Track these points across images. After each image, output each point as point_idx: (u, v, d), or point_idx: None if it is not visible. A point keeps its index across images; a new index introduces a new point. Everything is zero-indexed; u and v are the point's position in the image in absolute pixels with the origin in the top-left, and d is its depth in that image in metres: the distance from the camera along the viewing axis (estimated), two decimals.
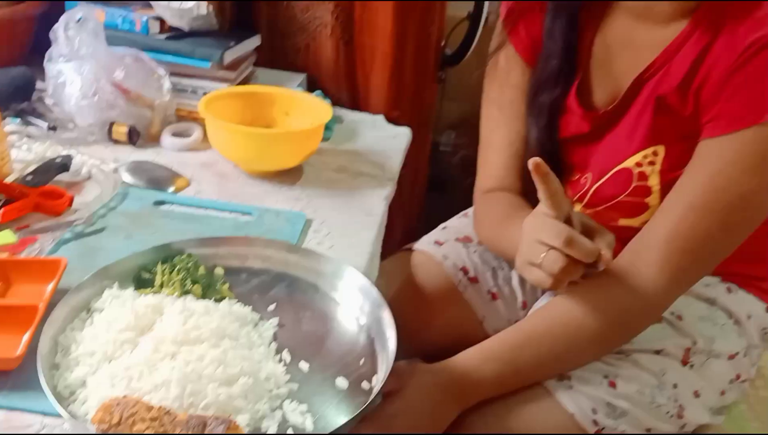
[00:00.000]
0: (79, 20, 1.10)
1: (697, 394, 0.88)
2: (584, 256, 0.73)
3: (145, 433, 0.57)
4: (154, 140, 1.14)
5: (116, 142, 1.12)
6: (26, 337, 0.66)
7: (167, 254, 0.80)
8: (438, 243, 1.05)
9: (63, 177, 0.99)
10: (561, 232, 0.73)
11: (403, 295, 1.01)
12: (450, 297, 1.01)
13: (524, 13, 0.94)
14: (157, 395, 0.61)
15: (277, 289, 0.81)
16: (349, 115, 1.35)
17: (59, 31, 1.09)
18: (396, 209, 1.15)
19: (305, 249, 0.87)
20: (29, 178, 0.94)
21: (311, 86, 1.40)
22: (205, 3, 1.20)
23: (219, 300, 0.76)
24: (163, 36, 1.23)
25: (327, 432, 0.63)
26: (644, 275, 0.79)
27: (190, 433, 0.58)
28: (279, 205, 1.01)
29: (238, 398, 0.63)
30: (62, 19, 1.10)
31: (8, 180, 0.93)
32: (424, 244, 1.06)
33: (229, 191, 1.03)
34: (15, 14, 1.16)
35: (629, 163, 0.87)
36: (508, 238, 0.89)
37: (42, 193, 0.90)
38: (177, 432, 0.58)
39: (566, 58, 0.91)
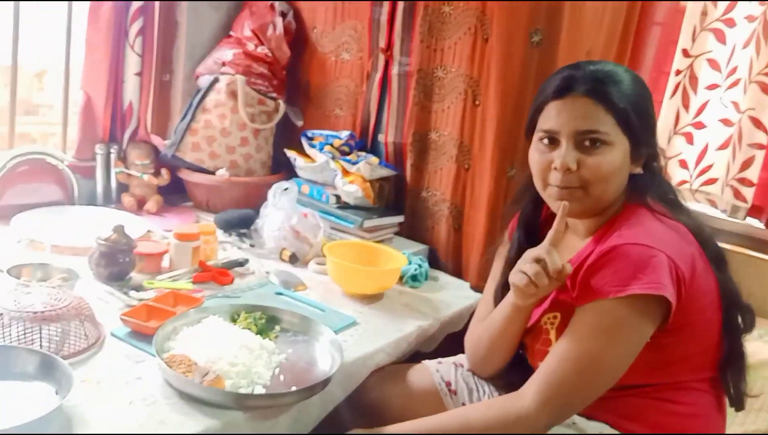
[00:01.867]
0: (285, 189, 1.88)
1: None
2: (552, 265, 1.13)
3: (179, 369, 1.17)
4: (305, 264, 1.82)
5: (282, 260, 1.82)
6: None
7: (254, 310, 1.42)
8: (439, 362, 1.49)
9: (239, 269, 1.71)
10: (542, 249, 1.16)
11: (399, 388, 1.46)
12: (433, 399, 1.43)
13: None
14: (200, 357, 1.21)
15: (299, 341, 1.38)
16: (445, 278, 1.88)
17: (271, 193, 1.88)
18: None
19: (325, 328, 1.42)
20: (220, 264, 1.68)
21: (432, 255, 1.97)
22: (359, 188, 1.90)
23: (263, 337, 1.35)
24: (335, 205, 1.95)
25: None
26: (524, 398, 1.14)
27: (200, 376, 1.16)
28: (346, 310, 1.57)
29: (231, 372, 1.19)
30: (275, 186, 1.89)
31: (210, 263, 1.67)
32: (430, 361, 1.51)
33: (325, 298, 1.64)
34: (252, 182, 2.01)
35: (542, 321, 1.26)
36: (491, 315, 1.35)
37: (218, 272, 1.63)
38: (196, 375, 1.16)
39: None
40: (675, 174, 1.74)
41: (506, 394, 1.20)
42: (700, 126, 1.70)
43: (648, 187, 1.21)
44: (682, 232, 1.16)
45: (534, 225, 1.35)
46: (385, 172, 1.99)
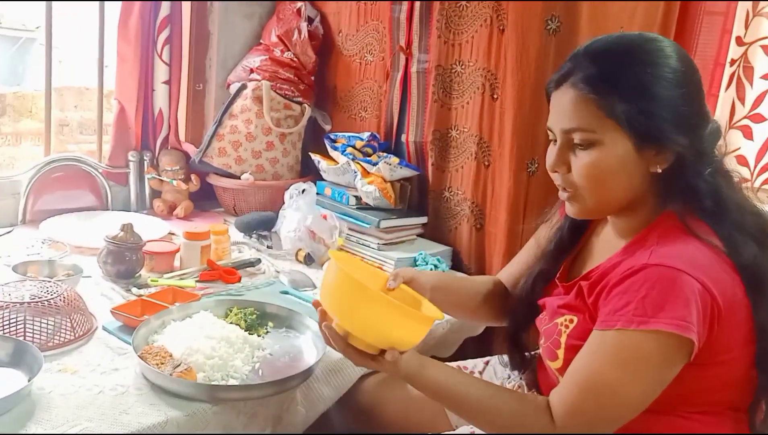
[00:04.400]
0: (302, 191, 1.87)
1: None
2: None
3: (152, 362, 1.16)
4: (321, 265, 1.80)
5: (297, 261, 1.80)
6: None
7: (247, 306, 1.41)
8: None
9: (250, 269, 1.70)
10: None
11: (397, 392, 1.38)
12: (433, 405, 1.34)
13: None
14: (176, 349, 1.20)
15: (290, 338, 1.35)
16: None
17: (288, 194, 1.88)
18: None
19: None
20: (230, 264, 1.68)
21: (455, 257, 1.90)
22: (377, 188, 1.86)
23: (252, 333, 1.33)
24: (355, 206, 1.92)
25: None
26: (545, 417, 1.01)
27: (172, 367, 1.15)
28: None
29: (206, 365, 1.18)
30: (291, 188, 1.88)
31: (220, 263, 1.68)
32: None
33: None
34: (277, 185, 2.02)
35: (558, 320, 1.13)
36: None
37: (225, 271, 1.63)
38: (168, 366, 1.15)
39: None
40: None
41: (533, 402, 1.06)
42: (758, 118, 1.53)
43: (681, 191, 1.01)
44: (721, 253, 0.98)
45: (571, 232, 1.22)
46: (406, 172, 1.94)
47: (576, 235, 1.21)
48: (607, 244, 1.14)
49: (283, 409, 1.25)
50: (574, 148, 1.03)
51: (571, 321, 1.11)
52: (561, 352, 1.11)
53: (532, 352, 1.29)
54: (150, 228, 1.86)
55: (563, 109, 1.03)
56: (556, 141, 1.06)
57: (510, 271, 1.35)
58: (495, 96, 1.77)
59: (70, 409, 1.06)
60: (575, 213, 1.09)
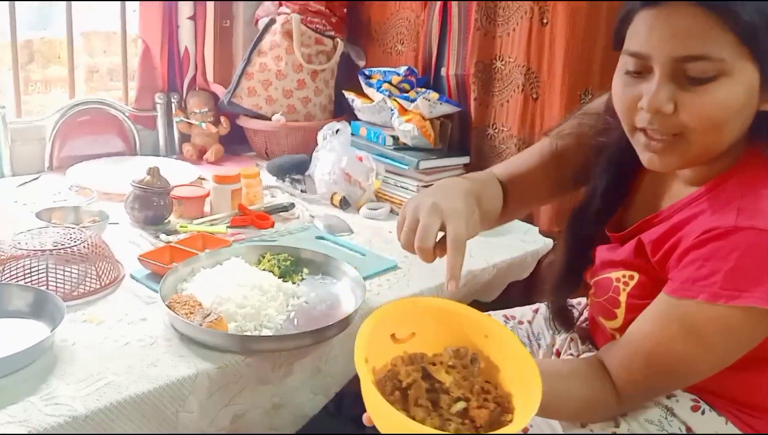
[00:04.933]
0: (336, 131, 1.76)
1: None
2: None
3: (181, 312, 1.09)
4: (357, 209, 1.70)
5: (333, 205, 1.71)
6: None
7: (281, 252, 1.32)
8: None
9: (284, 215, 1.62)
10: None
11: None
12: None
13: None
14: (206, 297, 1.13)
15: (326, 284, 1.26)
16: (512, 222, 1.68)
17: (321, 135, 1.77)
18: None
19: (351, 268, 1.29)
20: (263, 209, 1.59)
21: None
22: (416, 127, 1.73)
23: (286, 280, 1.25)
24: (392, 146, 1.80)
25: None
26: (609, 391, 0.92)
27: (201, 317, 1.08)
28: (391, 254, 1.43)
29: (237, 314, 1.10)
30: (325, 128, 1.77)
31: (252, 208, 1.59)
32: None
33: (369, 242, 1.51)
34: (311, 126, 1.91)
35: (613, 275, 1.01)
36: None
37: (257, 216, 1.54)
38: (197, 316, 1.08)
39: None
40: None
41: (603, 388, 0.94)
42: None
43: None
44: None
45: (624, 171, 1.03)
46: (447, 108, 1.81)
47: (628, 173, 1.04)
48: (666, 188, 0.99)
49: (322, 360, 1.18)
50: (689, 83, 0.82)
51: (631, 278, 0.98)
52: (620, 312, 0.99)
53: (579, 302, 1.18)
54: (179, 173, 1.78)
55: (676, 30, 0.81)
56: (640, 73, 0.85)
57: (509, 171, 1.14)
58: (545, 21, 1.62)
59: (95, 362, 0.99)
60: (668, 165, 0.88)
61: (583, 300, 1.19)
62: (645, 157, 0.89)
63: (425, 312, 0.85)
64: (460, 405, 0.74)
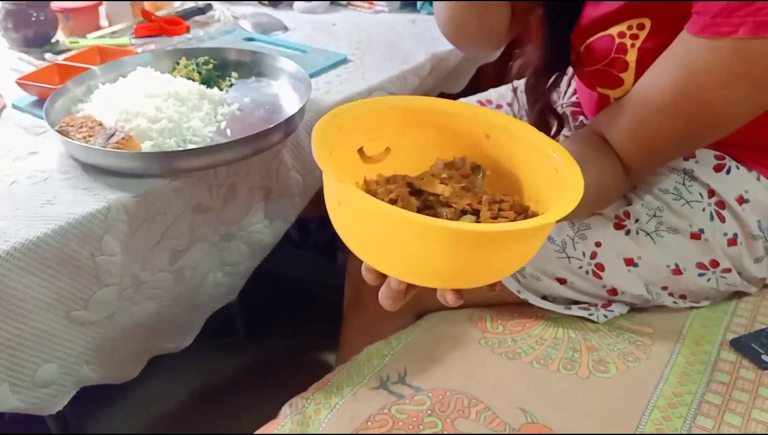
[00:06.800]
0: None
1: (631, 262, 0.81)
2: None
3: (79, 134, 0.85)
4: (290, 2, 1.41)
5: (261, 2, 1.41)
6: None
7: (200, 54, 1.06)
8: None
9: (200, 19, 1.32)
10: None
11: None
12: None
13: None
14: (108, 116, 0.88)
15: (262, 87, 1.02)
16: None
17: None
18: None
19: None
20: (173, 14, 1.30)
21: None
22: None
23: (211, 86, 1.00)
24: None
25: None
26: (619, 168, 0.75)
27: (104, 139, 0.84)
28: (337, 48, 1.18)
29: (151, 131, 0.86)
30: None
31: (160, 13, 1.30)
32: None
33: (311, 37, 1.25)
34: None
35: (614, 30, 0.79)
36: None
37: (166, 21, 1.25)
38: (99, 138, 0.84)
39: None
40: None
41: (603, 161, 0.75)
42: None
43: None
44: None
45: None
46: None
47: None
48: None
49: (271, 178, 0.96)
50: None
51: (641, 27, 0.75)
52: (629, 76, 0.78)
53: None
54: None
55: None
56: None
57: None
58: None
59: None
60: None
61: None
62: None
63: (399, 116, 0.62)
64: (468, 219, 0.54)
